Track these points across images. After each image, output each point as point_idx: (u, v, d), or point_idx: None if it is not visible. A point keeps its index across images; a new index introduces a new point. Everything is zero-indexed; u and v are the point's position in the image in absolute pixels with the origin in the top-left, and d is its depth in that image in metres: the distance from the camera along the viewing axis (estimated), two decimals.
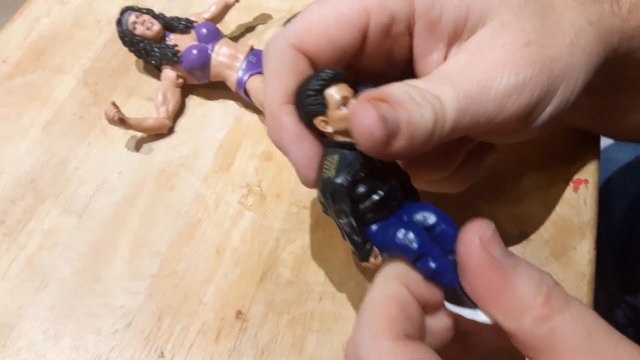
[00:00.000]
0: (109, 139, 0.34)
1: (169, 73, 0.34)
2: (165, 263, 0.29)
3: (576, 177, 0.30)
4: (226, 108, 0.35)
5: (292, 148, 0.20)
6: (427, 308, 0.18)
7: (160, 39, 0.34)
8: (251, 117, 0.34)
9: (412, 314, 0.17)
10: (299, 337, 0.26)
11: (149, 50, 0.34)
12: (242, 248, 0.29)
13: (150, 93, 0.35)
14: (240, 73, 0.33)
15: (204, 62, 0.33)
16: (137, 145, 0.33)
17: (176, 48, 0.34)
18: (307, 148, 0.20)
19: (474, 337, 0.19)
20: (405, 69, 0.22)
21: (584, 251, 0.28)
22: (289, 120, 0.20)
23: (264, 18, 0.39)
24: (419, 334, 0.17)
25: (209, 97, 0.35)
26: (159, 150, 0.33)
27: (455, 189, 0.24)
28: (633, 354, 0.15)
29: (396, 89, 0.18)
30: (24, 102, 0.36)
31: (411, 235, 0.18)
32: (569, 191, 0.30)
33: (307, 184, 0.20)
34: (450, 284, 0.18)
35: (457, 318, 0.18)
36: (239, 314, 0.27)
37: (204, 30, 0.34)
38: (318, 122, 0.19)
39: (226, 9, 0.37)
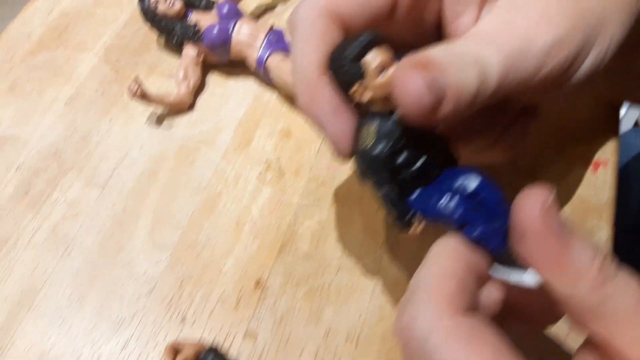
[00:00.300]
0: (129, 115, 0.34)
1: (190, 50, 0.35)
2: (185, 235, 0.29)
3: (595, 158, 0.30)
4: (245, 86, 0.35)
5: (329, 122, 0.19)
6: (479, 281, 0.18)
7: (181, 16, 0.35)
8: (270, 95, 0.35)
9: (467, 287, 0.17)
10: (316, 307, 0.27)
11: (171, 28, 0.34)
12: (260, 222, 0.30)
13: (171, 71, 0.36)
14: (260, 52, 0.33)
15: (225, 40, 0.34)
16: (158, 122, 0.34)
17: (197, 26, 0.34)
18: (345, 121, 0.19)
19: (517, 313, 0.19)
20: (431, 39, 0.21)
21: (602, 231, 0.28)
22: (326, 92, 0.19)
23: None
24: (474, 307, 0.17)
25: (229, 76, 0.36)
26: (179, 127, 0.34)
27: (499, 157, 0.24)
28: None
29: (439, 52, 0.17)
30: (47, 78, 0.36)
31: (453, 203, 0.18)
32: (588, 173, 0.30)
33: (342, 156, 0.20)
34: (496, 249, 0.17)
35: (504, 290, 0.18)
36: (257, 284, 0.27)
37: (225, 9, 0.34)
38: (355, 89, 0.18)
39: None
